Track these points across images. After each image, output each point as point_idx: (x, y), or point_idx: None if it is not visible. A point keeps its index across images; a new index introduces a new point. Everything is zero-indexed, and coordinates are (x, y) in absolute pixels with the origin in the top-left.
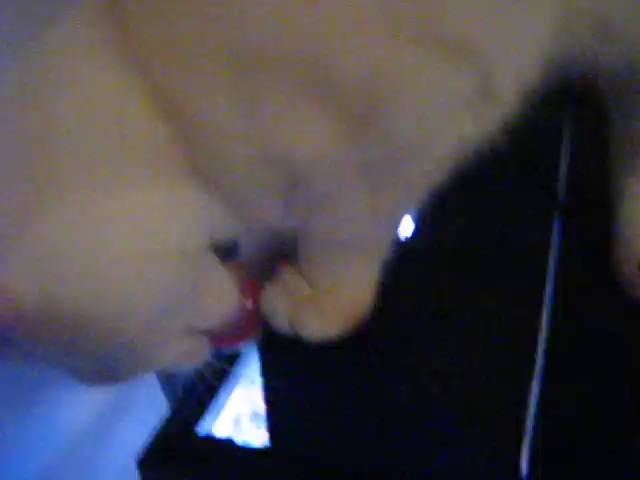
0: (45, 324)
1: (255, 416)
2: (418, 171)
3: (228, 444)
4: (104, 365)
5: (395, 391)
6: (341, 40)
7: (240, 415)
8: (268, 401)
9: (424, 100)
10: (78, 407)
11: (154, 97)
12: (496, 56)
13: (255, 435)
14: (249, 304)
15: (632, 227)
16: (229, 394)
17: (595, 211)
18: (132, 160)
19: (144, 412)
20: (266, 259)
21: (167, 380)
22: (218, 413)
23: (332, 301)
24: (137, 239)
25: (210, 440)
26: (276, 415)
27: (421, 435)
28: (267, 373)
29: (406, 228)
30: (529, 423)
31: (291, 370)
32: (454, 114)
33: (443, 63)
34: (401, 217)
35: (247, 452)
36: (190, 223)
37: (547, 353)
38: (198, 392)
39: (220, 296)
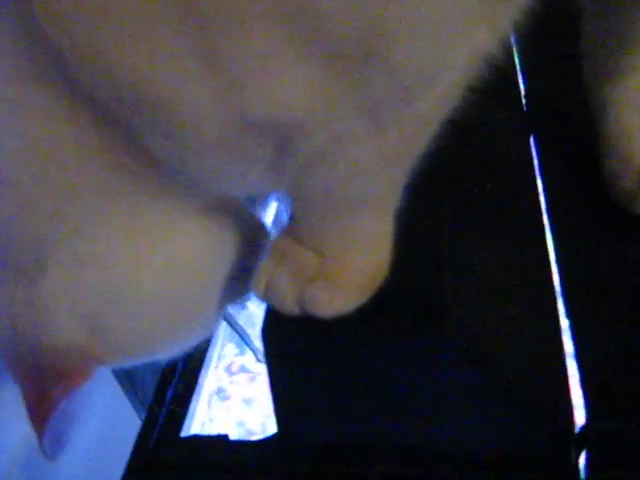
0: None
1: (219, 391)
2: (430, 100)
3: (221, 442)
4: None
5: (422, 357)
6: None
7: (211, 394)
8: (275, 388)
9: (434, 14)
10: None
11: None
12: None
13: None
14: None
15: (625, 138)
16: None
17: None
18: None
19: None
20: None
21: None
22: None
23: (345, 269)
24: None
25: (201, 440)
26: (284, 402)
27: (456, 403)
28: (272, 357)
29: None
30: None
31: (299, 350)
32: (467, 25)
33: None
34: (412, 160)
35: (247, 447)
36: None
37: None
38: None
39: None
